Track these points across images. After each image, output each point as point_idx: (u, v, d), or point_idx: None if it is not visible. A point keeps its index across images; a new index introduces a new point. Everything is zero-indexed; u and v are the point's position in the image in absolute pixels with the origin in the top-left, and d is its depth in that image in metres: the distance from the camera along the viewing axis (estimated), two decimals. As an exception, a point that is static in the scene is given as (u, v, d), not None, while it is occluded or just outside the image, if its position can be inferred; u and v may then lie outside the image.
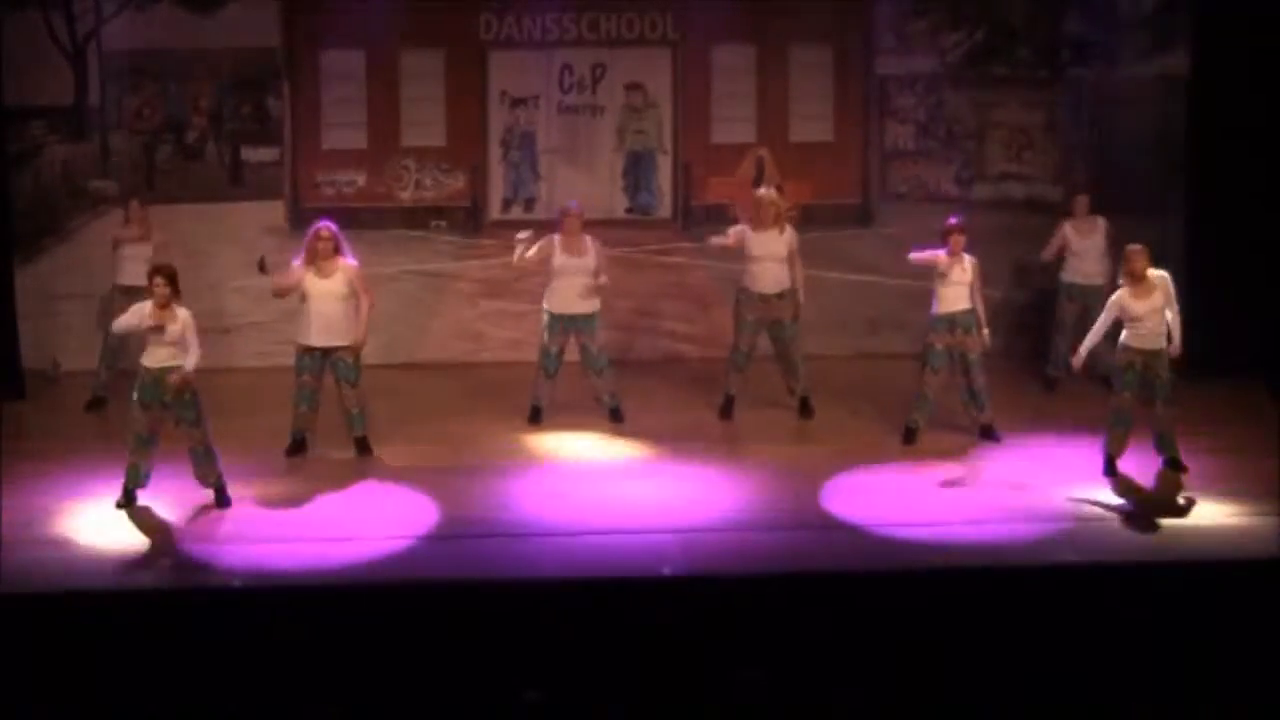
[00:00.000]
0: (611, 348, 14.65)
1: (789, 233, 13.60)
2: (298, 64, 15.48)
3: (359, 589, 10.44)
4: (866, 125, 15.92)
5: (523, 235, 13.36)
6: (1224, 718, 8.63)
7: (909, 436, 13.04)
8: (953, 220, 13.06)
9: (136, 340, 12.01)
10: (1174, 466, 12.30)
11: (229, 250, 15.37)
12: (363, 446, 12.86)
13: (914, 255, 13.02)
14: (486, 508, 11.91)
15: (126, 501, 11.69)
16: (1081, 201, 14.44)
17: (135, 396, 11.67)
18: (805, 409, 13.73)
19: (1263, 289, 14.27)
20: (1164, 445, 12.33)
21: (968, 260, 12.92)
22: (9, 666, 9.39)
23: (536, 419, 13.64)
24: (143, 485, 11.72)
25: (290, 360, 12.87)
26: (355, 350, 12.67)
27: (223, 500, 11.86)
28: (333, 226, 12.77)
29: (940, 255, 12.85)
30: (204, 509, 11.82)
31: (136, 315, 11.66)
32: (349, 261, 12.70)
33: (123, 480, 11.70)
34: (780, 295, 13.52)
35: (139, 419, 11.65)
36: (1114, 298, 12.20)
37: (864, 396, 14.13)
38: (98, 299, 14.49)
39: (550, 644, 9.75)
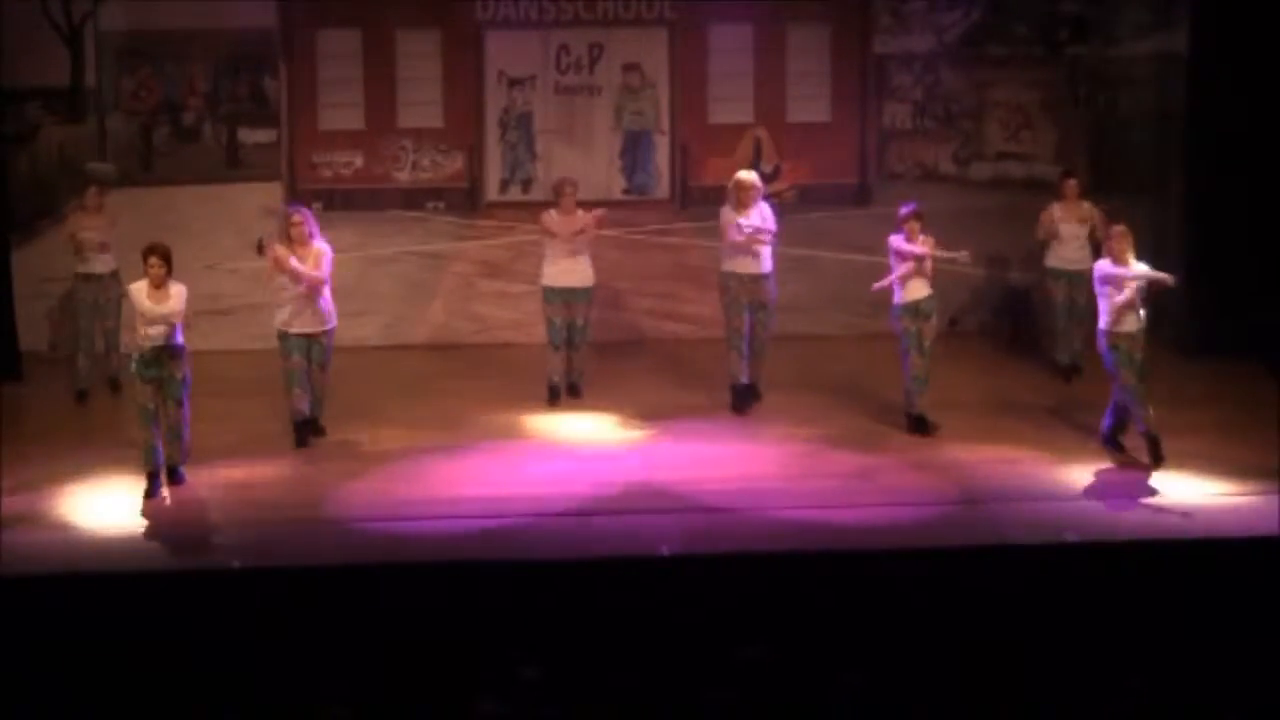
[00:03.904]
0: (609, 328, 14.70)
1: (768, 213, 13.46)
2: (294, 45, 15.47)
3: (358, 569, 10.43)
4: (864, 105, 15.91)
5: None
6: (1224, 695, 8.63)
7: (918, 425, 12.87)
8: (906, 208, 12.87)
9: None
10: (1119, 446, 12.30)
11: (226, 232, 15.36)
12: (318, 429, 12.86)
13: (895, 256, 12.80)
14: (483, 488, 11.90)
15: (154, 490, 11.69)
16: (1071, 185, 14.26)
17: (135, 372, 11.72)
18: (755, 394, 13.62)
19: (1261, 268, 14.26)
20: (1120, 424, 12.32)
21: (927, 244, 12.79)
22: (8, 649, 9.37)
23: (555, 398, 13.64)
24: (159, 464, 11.74)
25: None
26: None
27: (176, 478, 11.87)
28: (305, 211, 12.72)
29: (917, 249, 12.70)
30: (201, 491, 11.82)
31: (135, 298, 11.72)
32: (322, 246, 12.62)
33: (144, 467, 11.67)
34: (765, 276, 13.40)
35: (142, 392, 11.72)
36: (1100, 268, 12.14)
37: (863, 376, 14.11)
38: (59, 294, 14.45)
39: (548, 623, 9.75)
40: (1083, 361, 14.00)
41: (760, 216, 13.26)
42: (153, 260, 11.66)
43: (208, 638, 9.55)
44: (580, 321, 13.62)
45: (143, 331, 11.69)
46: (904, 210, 12.81)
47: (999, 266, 15.63)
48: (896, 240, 12.74)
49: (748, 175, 13.38)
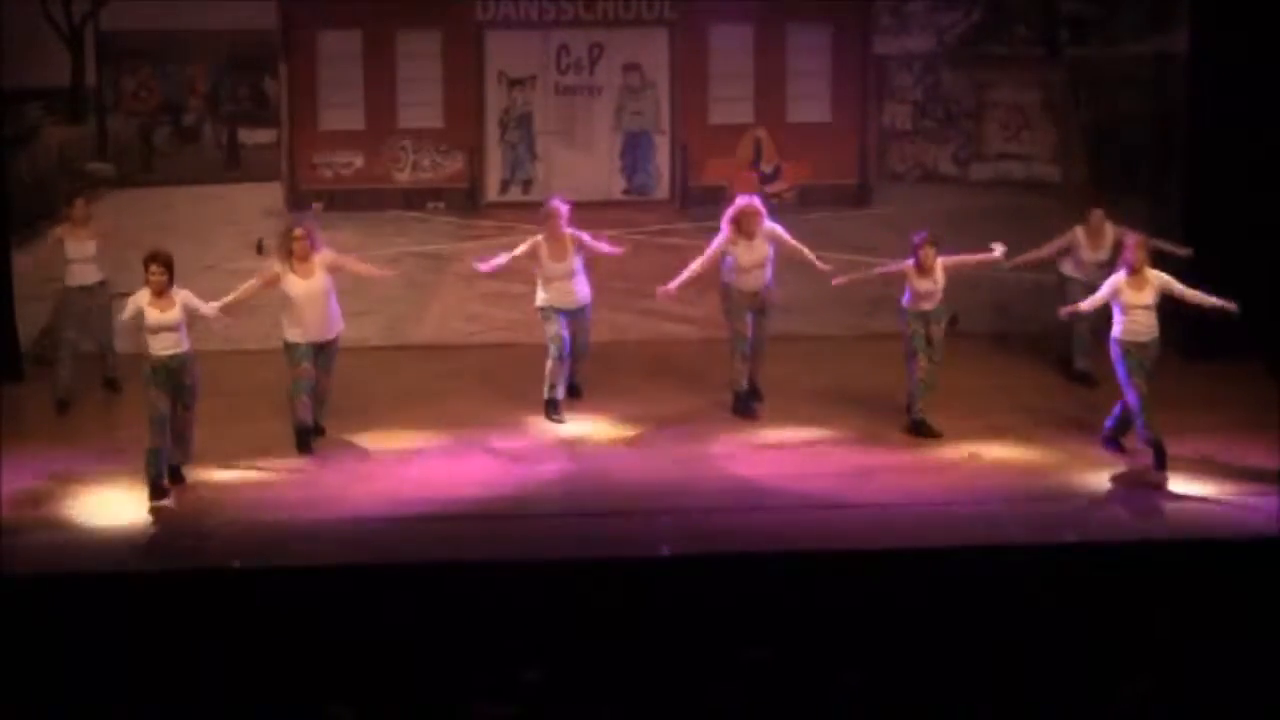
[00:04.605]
0: (610, 328, 14.67)
1: (771, 231, 13.32)
2: (294, 45, 15.48)
3: (359, 569, 10.44)
4: (864, 105, 15.93)
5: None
6: (1225, 696, 8.63)
7: (921, 429, 12.85)
8: (919, 236, 12.76)
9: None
10: (1119, 447, 12.33)
11: (226, 232, 15.37)
12: (319, 430, 12.84)
13: (879, 270, 12.84)
14: (484, 489, 11.90)
15: (160, 494, 11.65)
16: (1097, 215, 14.10)
17: (148, 378, 11.65)
18: (756, 395, 13.55)
19: (1260, 268, 14.25)
20: (1123, 427, 12.31)
21: (939, 270, 12.73)
22: (8, 649, 9.37)
23: (555, 412, 13.33)
24: (164, 470, 11.72)
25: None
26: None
27: (176, 477, 11.88)
28: (308, 224, 12.68)
29: (905, 266, 12.69)
30: (202, 490, 11.82)
31: (133, 309, 11.68)
32: (324, 253, 12.59)
33: (147, 473, 11.61)
34: (767, 287, 13.33)
35: (157, 396, 11.65)
36: (1111, 281, 12.16)
37: (863, 377, 14.10)
38: (50, 300, 14.31)
39: (549, 624, 9.75)
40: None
41: (761, 245, 13.16)
42: (154, 268, 11.60)
43: (208, 638, 9.55)
44: (583, 337, 13.45)
45: (150, 342, 11.65)
46: (917, 238, 12.72)
47: (999, 266, 15.60)
48: (899, 265, 12.71)
49: (754, 205, 13.13)
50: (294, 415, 12.58)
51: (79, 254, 13.70)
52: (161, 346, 11.63)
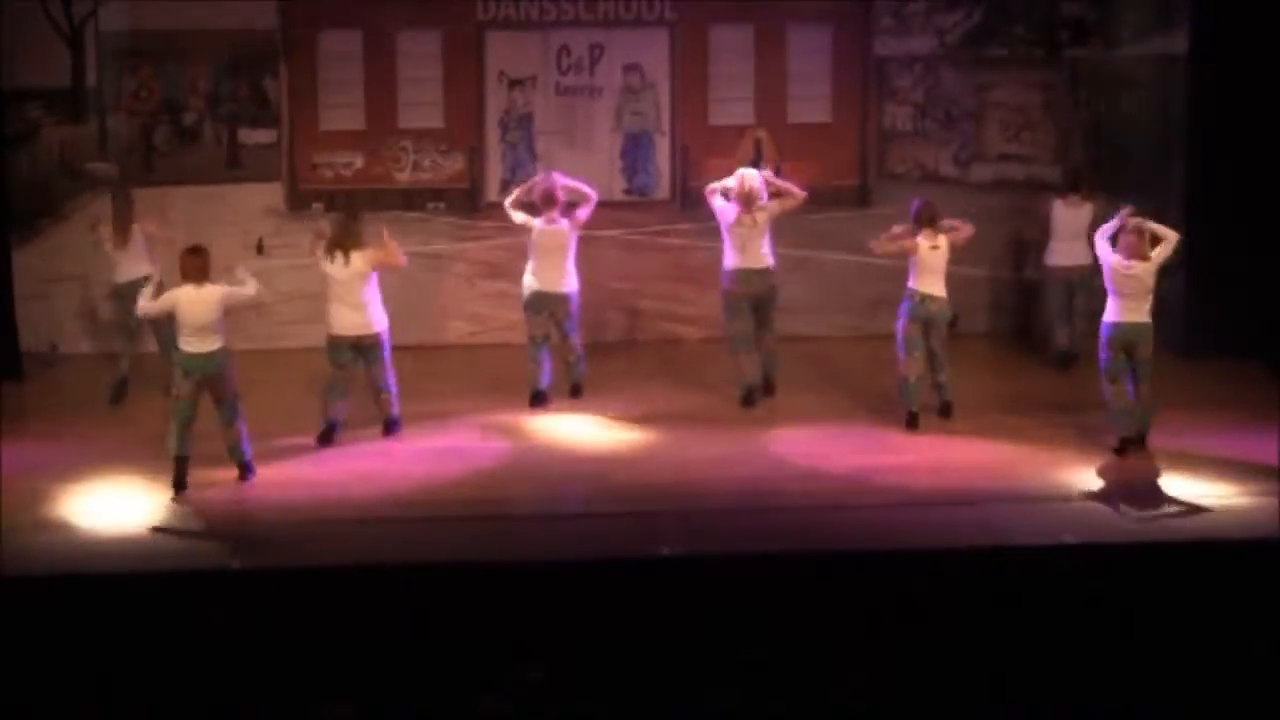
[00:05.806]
0: (610, 330, 14.65)
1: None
2: (295, 45, 15.47)
3: (359, 570, 10.43)
4: (865, 106, 15.91)
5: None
6: (1224, 698, 8.63)
7: (912, 421, 12.98)
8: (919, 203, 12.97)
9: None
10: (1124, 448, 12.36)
11: (227, 233, 15.35)
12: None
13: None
14: (484, 489, 11.90)
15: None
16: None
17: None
18: (769, 388, 13.65)
19: (1261, 268, 14.26)
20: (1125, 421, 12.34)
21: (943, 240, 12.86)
22: (8, 649, 9.37)
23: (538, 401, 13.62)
24: None
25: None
26: None
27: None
28: None
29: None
30: (202, 491, 11.82)
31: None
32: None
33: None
34: (766, 270, 13.40)
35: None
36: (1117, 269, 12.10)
37: (863, 376, 14.12)
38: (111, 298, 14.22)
39: (551, 624, 9.75)
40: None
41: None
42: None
43: (208, 638, 9.54)
44: None
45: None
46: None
47: (1000, 267, 15.65)
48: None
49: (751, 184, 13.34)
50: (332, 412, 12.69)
51: (135, 251, 13.65)
52: None
